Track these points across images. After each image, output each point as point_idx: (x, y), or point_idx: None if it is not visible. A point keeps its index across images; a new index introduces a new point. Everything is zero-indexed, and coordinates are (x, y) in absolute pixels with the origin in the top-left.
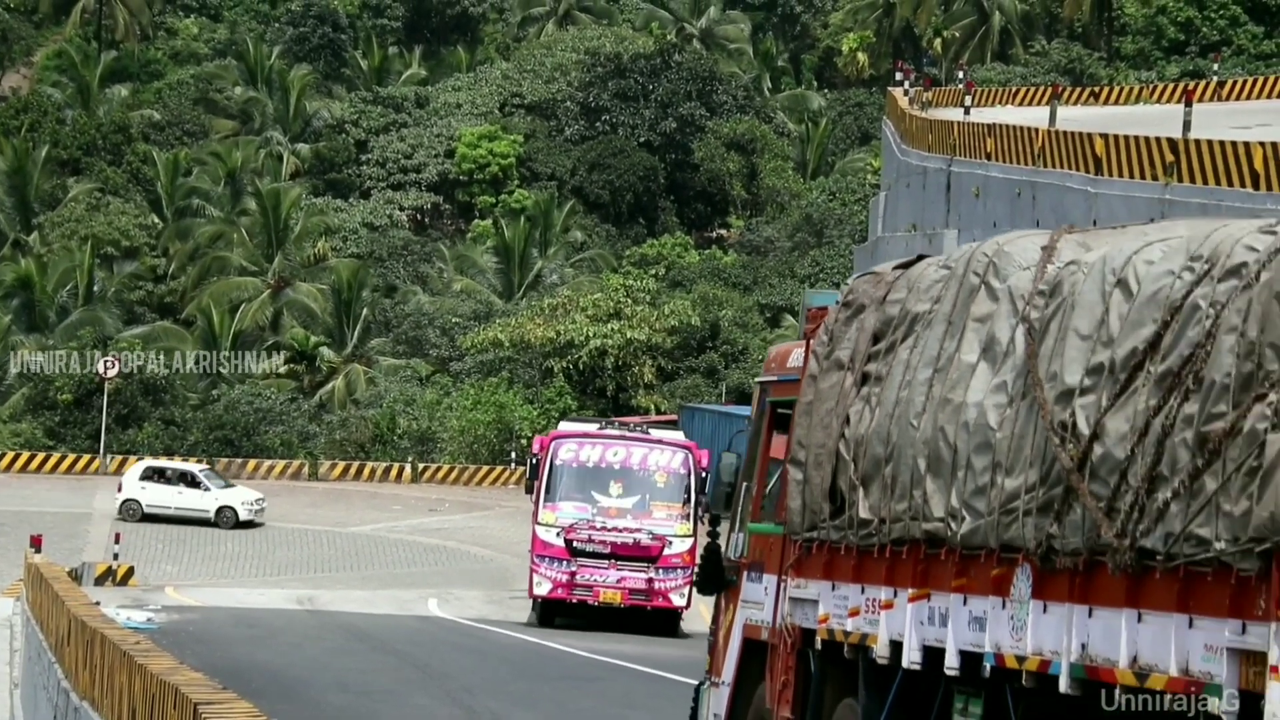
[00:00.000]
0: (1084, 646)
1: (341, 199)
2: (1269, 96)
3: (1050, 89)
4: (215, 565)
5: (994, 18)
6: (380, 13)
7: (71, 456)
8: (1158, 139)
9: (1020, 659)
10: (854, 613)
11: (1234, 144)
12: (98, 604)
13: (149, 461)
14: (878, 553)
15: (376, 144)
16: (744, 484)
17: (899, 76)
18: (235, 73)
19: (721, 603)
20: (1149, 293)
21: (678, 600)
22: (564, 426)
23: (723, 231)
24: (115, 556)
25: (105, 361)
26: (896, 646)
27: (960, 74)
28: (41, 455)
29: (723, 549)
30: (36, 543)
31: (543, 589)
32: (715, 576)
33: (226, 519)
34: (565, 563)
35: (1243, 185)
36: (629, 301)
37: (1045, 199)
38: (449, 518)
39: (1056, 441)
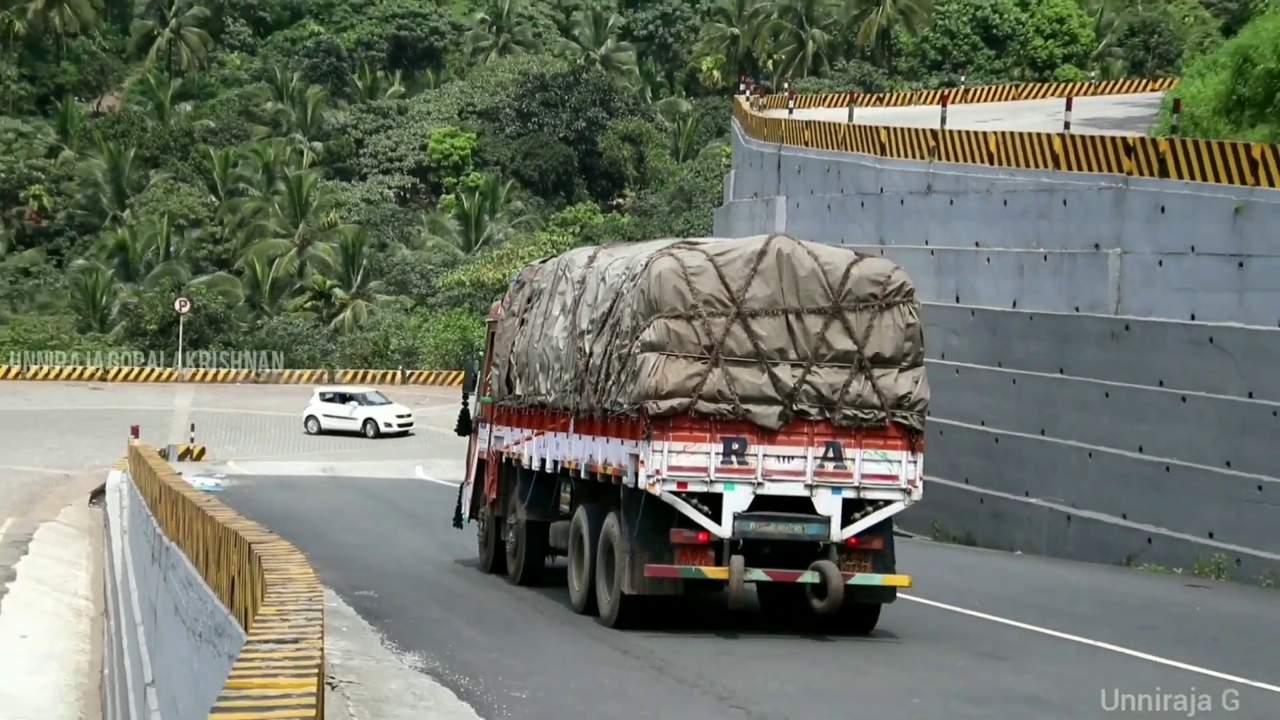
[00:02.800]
0: (591, 455)
1: (346, 181)
2: (999, 100)
3: (849, 95)
4: (263, 445)
5: (809, 45)
6: (370, 47)
7: (157, 369)
8: (923, 130)
9: (571, 462)
10: (517, 444)
11: (976, 133)
12: (179, 474)
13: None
14: (524, 413)
15: (370, 141)
16: (479, 376)
17: (742, 87)
18: (267, 92)
19: (470, 440)
20: (610, 284)
21: None
22: None
23: (620, 200)
24: (192, 440)
25: (180, 301)
26: (530, 459)
27: (785, 85)
28: (136, 369)
29: (474, 413)
30: (135, 431)
31: None
32: (466, 426)
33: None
34: None
35: (982, 162)
36: (554, 252)
37: (846, 173)
38: (430, 409)
39: (579, 357)
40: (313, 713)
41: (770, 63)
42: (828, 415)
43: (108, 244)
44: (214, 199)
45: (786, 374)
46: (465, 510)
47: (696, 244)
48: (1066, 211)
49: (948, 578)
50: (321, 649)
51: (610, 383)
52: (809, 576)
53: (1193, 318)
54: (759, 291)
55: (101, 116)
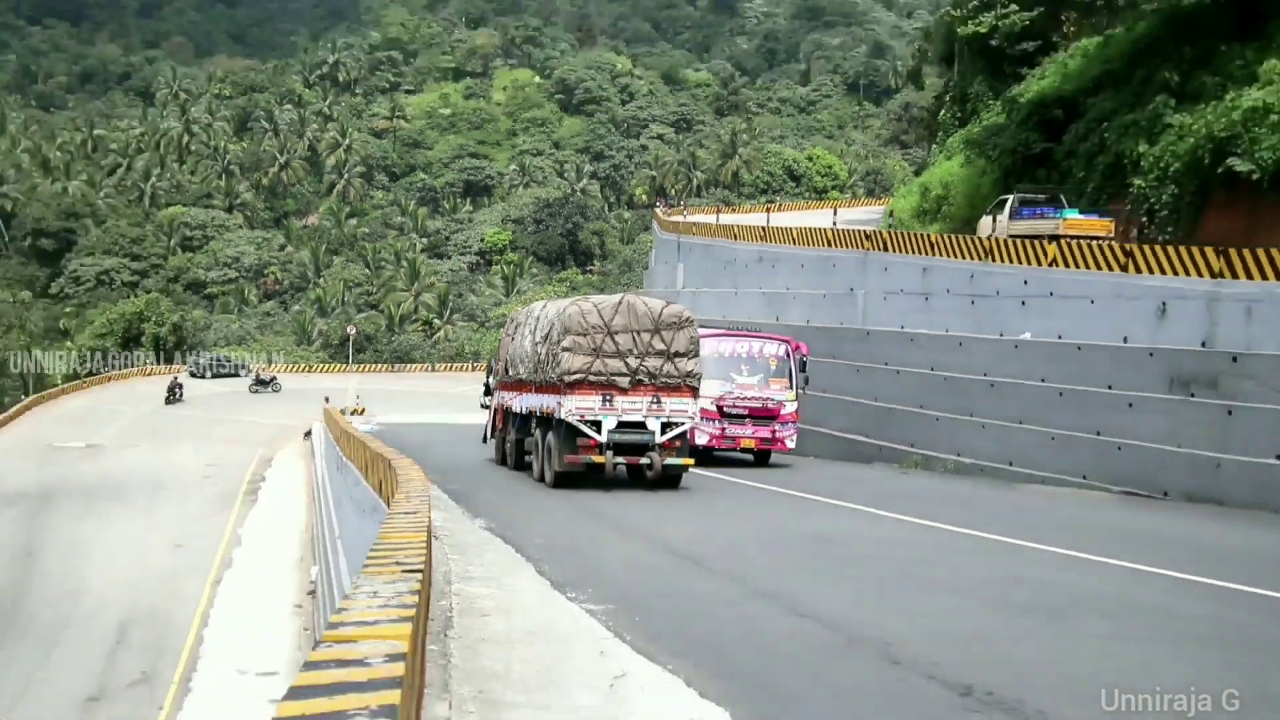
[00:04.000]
0: (542, 404)
1: (440, 260)
2: (797, 210)
3: (716, 208)
4: (397, 406)
5: (694, 179)
6: (453, 185)
7: (338, 365)
8: (757, 226)
9: (533, 408)
10: (510, 400)
11: (786, 228)
12: (351, 422)
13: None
14: (512, 385)
15: (453, 238)
16: (493, 367)
17: (657, 203)
18: (396, 212)
19: (490, 400)
20: (549, 318)
21: (790, 444)
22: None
23: (593, 268)
24: (358, 403)
25: (350, 327)
26: (516, 407)
27: (681, 202)
28: (327, 365)
29: (491, 385)
30: (327, 399)
31: (703, 440)
32: (487, 392)
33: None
34: (717, 422)
35: (790, 244)
36: (555, 299)
37: (715, 251)
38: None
39: (534, 354)
40: (423, 551)
41: (673, 189)
42: (653, 381)
43: (311, 298)
44: (368, 271)
45: (633, 362)
46: (488, 434)
47: (589, 298)
48: (836, 271)
49: (753, 470)
50: (429, 517)
51: (548, 367)
52: (645, 460)
53: (902, 328)
54: (618, 321)
55: (307, 228)
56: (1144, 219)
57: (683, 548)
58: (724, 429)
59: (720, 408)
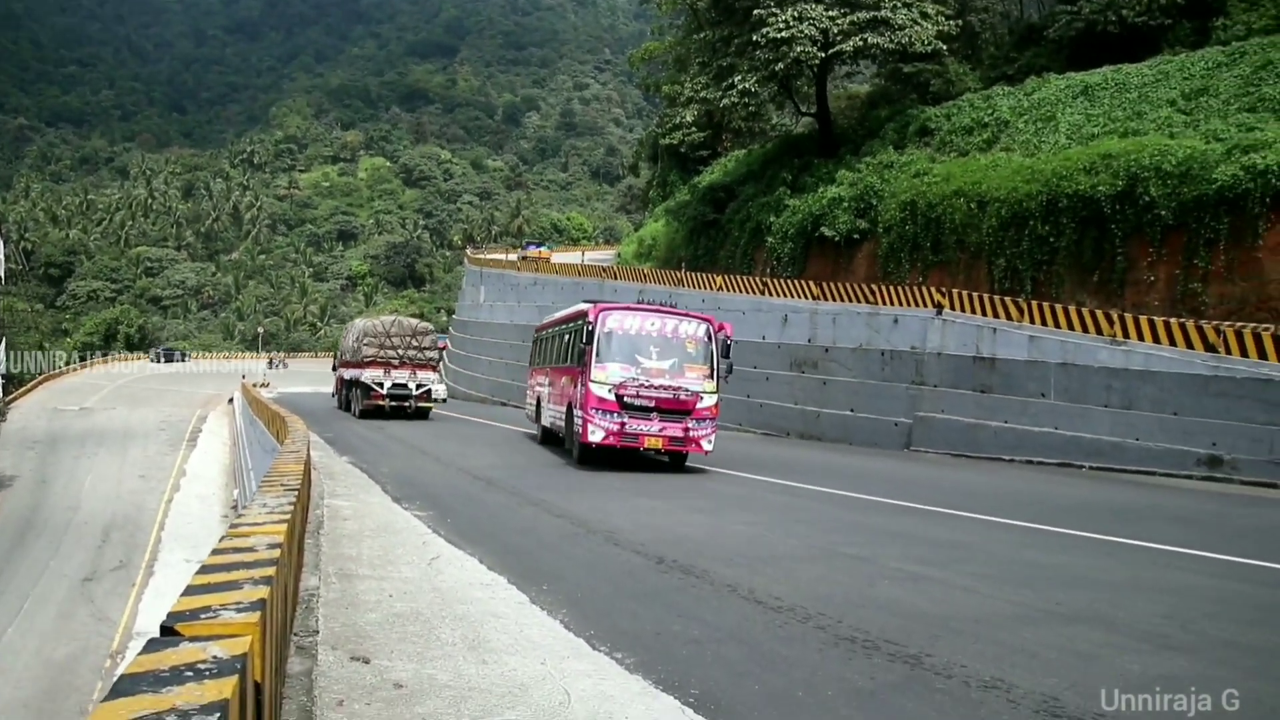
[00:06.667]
0: (356, 374)
1: (323, 283)
2: (558, 254)
3: (507, 249)
4: (290, 381)
5: (493, 230)
6: (330, 233)
7: (252, 354)
8: (537, 261)
9: (352, 377)
10: (343, 373)
11: (554, 264)
12: (260, 391)
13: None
14: (345, 364)
15: (331, 269)
16: (338, 355)
17: (468, 247)
18: (293, 253)
19: (335, 374)
20: (361, 328)
21: (707, 446)
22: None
23: (425, 289)
24: (264, 379)
25: (261, 327)
26: (347, 376)
27: (483, 245)
28: (244, 354)
29: (335, 365)
30: (244, 377)
31: (597, 436)
32: (333, 369)
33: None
34: (616, 415)
35: (554, 274)
36: (395, 313)
37: (505, 278)
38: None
39: (353, 350)
40: (301, 477)
41: (478, 237)
42: (412, 362)
43: (233, 308)
44: (272, 290)
45: (400, 352)
46: (334, 392)
47: (380, 318)
48: (583, 291)
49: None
50: (309, 455)
51: (358, 354)
52: (407, 405)
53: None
54: (394, 330)
55: (231, 261)
56: (774, 263)
57: (481, 473)
58: (624, 424)
59: (620, 397)
